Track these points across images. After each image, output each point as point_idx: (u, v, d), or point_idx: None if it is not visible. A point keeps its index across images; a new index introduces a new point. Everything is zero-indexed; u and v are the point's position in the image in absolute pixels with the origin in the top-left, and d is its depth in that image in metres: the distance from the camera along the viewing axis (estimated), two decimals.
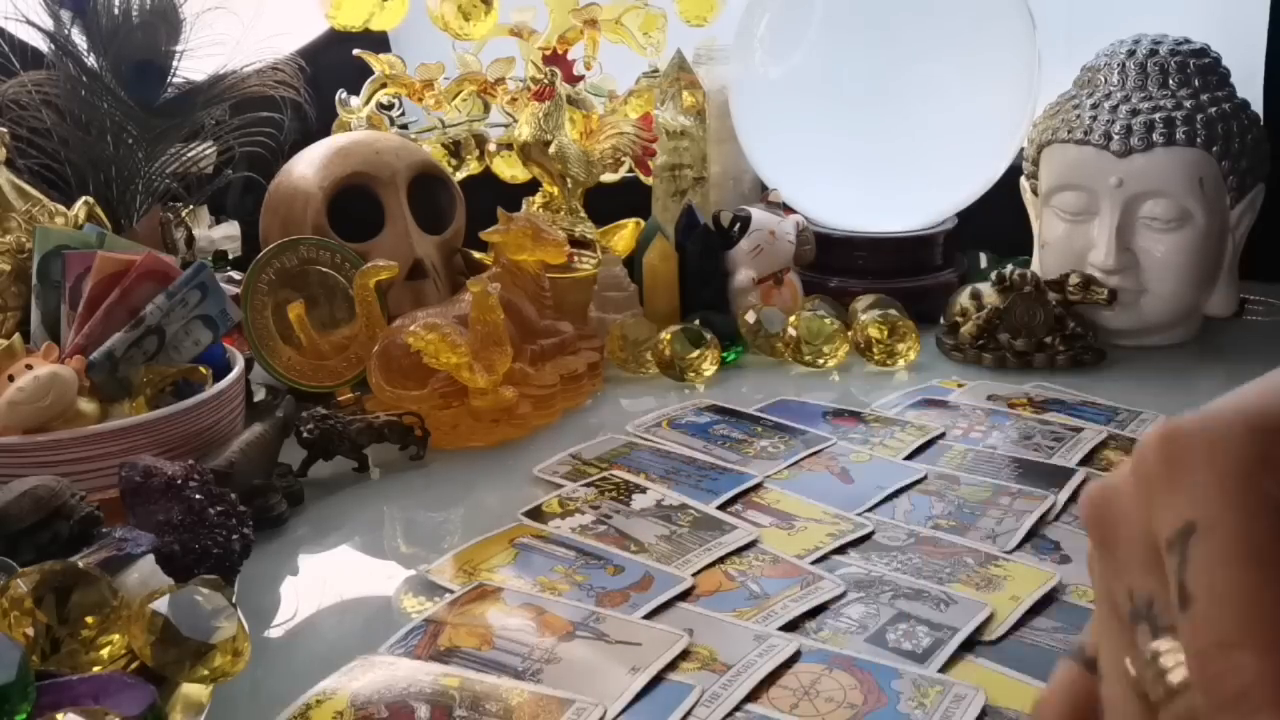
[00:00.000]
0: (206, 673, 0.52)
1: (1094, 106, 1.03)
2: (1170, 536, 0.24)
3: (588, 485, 0.79)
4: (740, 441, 0.86)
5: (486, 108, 1.30)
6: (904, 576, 0.66)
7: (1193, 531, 0.23)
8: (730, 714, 0.54)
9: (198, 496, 0.64)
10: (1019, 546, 0.69)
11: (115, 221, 1.03)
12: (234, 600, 0.55)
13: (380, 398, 0.90)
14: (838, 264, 1.18)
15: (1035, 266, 1.12)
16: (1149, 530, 0.25)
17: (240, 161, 1.16)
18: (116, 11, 1.05)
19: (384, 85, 1.26)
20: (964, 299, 1.07)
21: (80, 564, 0.54)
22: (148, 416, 0.74)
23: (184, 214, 1.14)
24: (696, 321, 1.03)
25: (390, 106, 1.29)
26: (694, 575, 0.66)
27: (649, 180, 1.21)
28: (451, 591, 0.66)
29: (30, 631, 0.51)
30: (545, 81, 1.16)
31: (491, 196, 1.08)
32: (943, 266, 1.19)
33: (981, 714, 0.53)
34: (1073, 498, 0.75)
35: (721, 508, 0.75)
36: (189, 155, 1.12)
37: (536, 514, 0.75)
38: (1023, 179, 1.14)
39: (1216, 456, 0.24)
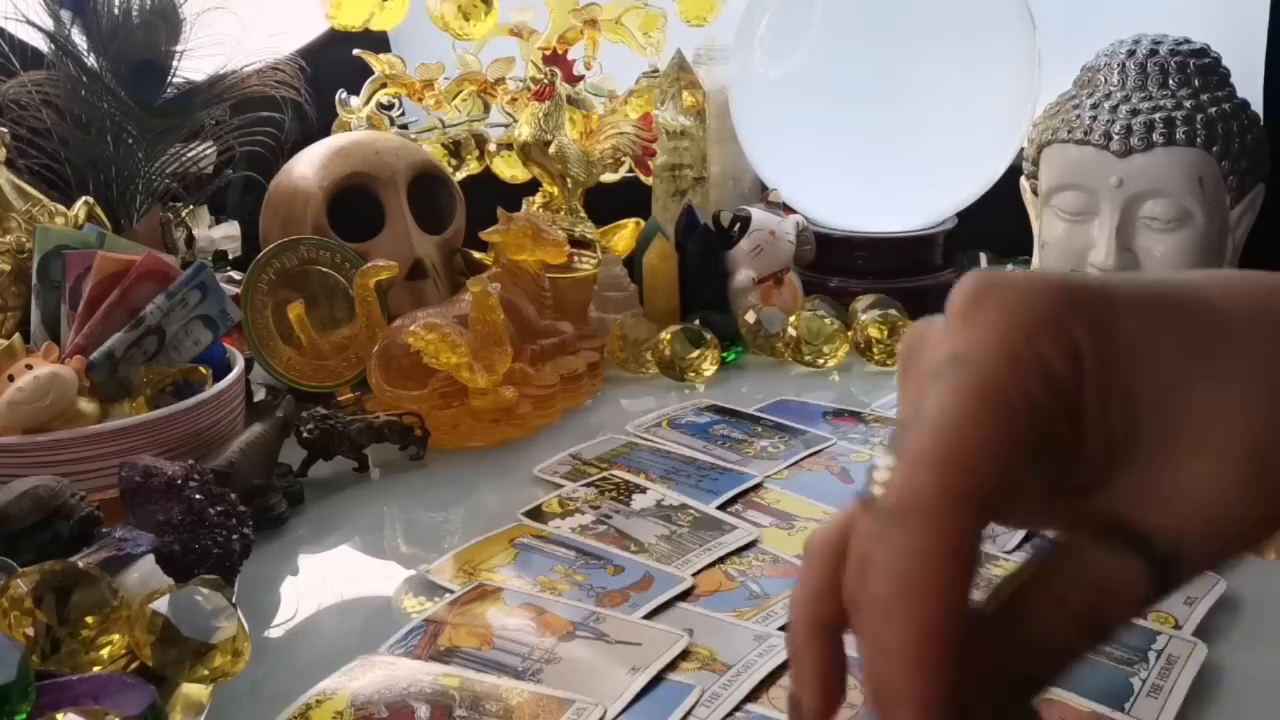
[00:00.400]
0: (206, 673, 0.52)
1: (1094, 106, 1.03)
2: (938, 364, 0.24)
3: (588, 485, 0.79)
4: (740, 441, 0.86)
5: (486, 108, 1.30)
6: None
7: (955, 360, 0.23)
8: (730, 714, 0.54)
9: (198, 496, 0.64)
10: (1018, 546, 0.69)
11: (115, 221, 1.03)
12: (234, 600, 0.55)
13: (380, 398, 0.90)
14: (838, 264, 1.18)
15: (1035, 266, 1.12)
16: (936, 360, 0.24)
17: (240, 161, 1.16)
18: (116, 11, 1.05)
19: (384, 85, 1.26)
20: None
21: (80, 564, 0.54)
22: (148, 416, 0.74)
23: (184, 214, 1.14)
24: (696, 321, 1.03)
25: (390, 106, 1.29)
26: (694, 575, 0.66)
27: (649, 180, 1.21)
28: (451, 591, 0.66)
29: (30, 631, 0.51)
30: (545, 81, 1.16)
31: (491, 196, 1.08)
32: (943, 266, 1.19)
33: None
34: None
35: (721, 508, 0.75)
36: (189, 155, 1.12)
37: (536, 514, 0.75)
38: (1023, 179, 1.14)
39: (1012, 304, 0.23)
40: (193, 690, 0.54)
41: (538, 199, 1.24)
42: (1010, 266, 1.06)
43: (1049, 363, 0.23)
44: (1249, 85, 1.09)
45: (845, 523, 0.26)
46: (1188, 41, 1.05)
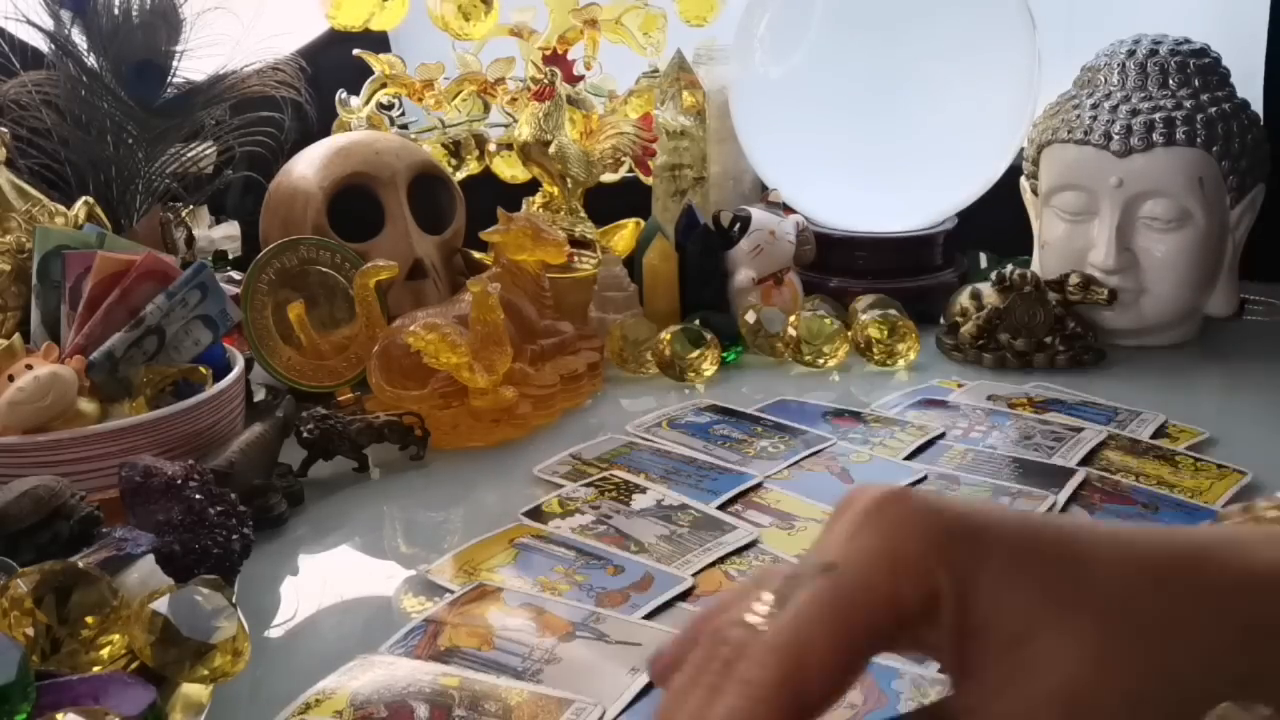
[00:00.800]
0: (206, 673, 0.52)
1: (1094, 106, 1.03)
2: (817, 564, 0.27)
3: (588, 485, 0.79)
4: (740, 441, 0.86)
5: (486, 108, 1.30)
6: None
7: (829, 569, 0.27)
8: None
9: (198, 496, 0.64)
10: None
11: (115, 221, 1.03)
12: (234, 600, 0.55)
13: (380, 398, 0.90)
14: (838, 264, 1.18)
15: (1035, 266, 1.12)
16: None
17: (240, 161, 1.16)
18: (116, 11, 1.05)
19: (384, 85, 1.26)
20: (964, 299, 1.06)
21: (80, 564, 0.54)
22: (148, 416, 0.74)
23: (184, 214, 1.14)
24: (696, 321, 1.03)
25: (390, 106, 1.29)
26: (694, 575, 0.67)
27: (649, 180, 1.21)
28: (451, 591, 0.66)
29: (30, 631, 0.51)
30: (545, 81, 1.16)
31: (491, 196, 1.08)
32: (943, 266, 1.19)
33: None
34: (1073, 498, 0.75)
35: (721, 508, 0.75)
36: (189, 155, 1.12)
37: (536, 514, 0.75)
38: (1023, 179, 1.14)
39: (891, 534, 0.27)
40: (193, 690, 0.54)
41: (538, 199, 1.24)
42: (1010, 266, 1.05)
43: (905, 601, 0.26)
44: (1249, 85, 1.09)
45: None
46: (1188, 41, 1.05)
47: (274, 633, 0.65)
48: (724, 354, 1.03)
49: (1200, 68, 1.03)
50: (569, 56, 1.27)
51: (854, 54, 1.08)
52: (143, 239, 0.99)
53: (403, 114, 1.32)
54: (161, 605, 0.51)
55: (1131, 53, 1.05)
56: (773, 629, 0.26)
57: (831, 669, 0.26)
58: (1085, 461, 0.80)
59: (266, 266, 0.96)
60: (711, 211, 1.14)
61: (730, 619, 0.28)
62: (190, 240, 1.15)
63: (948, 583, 0.26)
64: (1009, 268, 1.05)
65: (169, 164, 1.11)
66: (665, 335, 1.01)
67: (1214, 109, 1.01)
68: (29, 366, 0.73)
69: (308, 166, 1.04)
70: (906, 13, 1.06)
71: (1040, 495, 0.75)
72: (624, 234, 1.21)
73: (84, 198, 0.97)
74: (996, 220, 1.18)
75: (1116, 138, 1.01)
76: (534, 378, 0.94)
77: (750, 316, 1.06)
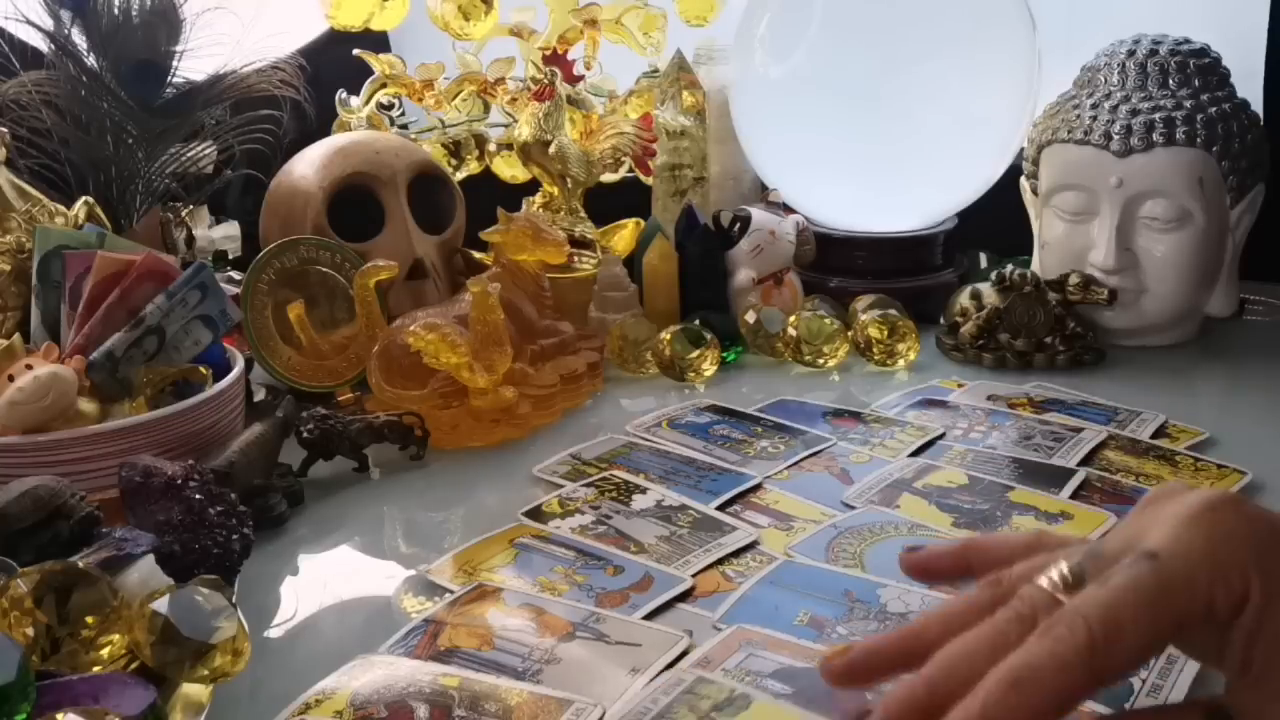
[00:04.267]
0: (206, 673, 0.52)
1: (1094, 106, 1.03)
2: (1144, 548, 0.30)
3: (588, 485, 0.79)
4: (740, 442, 0.86)
5: (486, 108, 1.30)
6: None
7: (1152, 558, 0.29)
8: None
9: (198, 496, 0.64)
10: None
11: (115, 221, 1.03)
12: (234, 600, 0.55)
13: (380, 398, 0.90)
14: (838, 264, 1.18)
15: (1035, 266, 1.12)
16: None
17: (240, 161, 1.16)
18: (116, 11, 1.05)
19: (384, 85, 1.26)
20: (964, 299, 1.06)
21: (80, 564, 0.54)
22: (148, 416, 0.74)
23: (184, 214, 1.14)
24: (696, 321, 1.03)
25: (390, 106, 1.29)
26: (694, 576, 0.67)
27: (649, 180, 1.21)
28: (451, 591, 0.66)
29: (30, 631, 0.51)
30: (545, 81, 1.16)
31: (491, 196, 1.08)
32: (943, 266, 1.19)
33: None
34: (1072, 498, 0.75)
35: (721, 508, 0.75)
36: (189, 155, 1.12)
37: (536, 514, 0.75)
38: (1023, 179, 1.14)
39: (1219, 538, 0.29)
40: (193, 690, 0.54)
41: (538, 199, 1.24)
42: (1009, 266, 1.05)
43: (1215, 601, 0.28)
44: (1249, 85, 1.09)
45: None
46: (1188, 41, 1.05)
47: (274, 633, 0.65)
48: (724, 354, 1.03)
49: (1200, 68, 1.03)
50: (569, 56, 1.27)
51: (854, 54, 1.08)
52: (143, 239, 0.99)
53: (403, 114, 1.32)
54: (161, 605, 0.51)
55: (1131, 53, 1.05)
56: (1089, 599, 0.28)
57: (1135, 649, 0.28)
58: (1085, 461, 0.80)
59: (266, 266, 0.96)
60: (711, 211, 1.14)
61: (1020, 574, 0.30)
62: (190, 240, 1.15)
63: (1259, 590, 0.28)
64: (1009, 268, 1.05)
65: (169, 164, 1.11)
66: (665, 335, 1.01)
67: (1214, 109, 1.01)
68: (29, 366, 0.73)
69: (308, 166, 1.04)
70: (906, 13, 1.06)
71: (1040, 496, 0.75)
72: (624, 234, 1.21)
73: (84, 198, 0.97)
74: (996, 220, 1.18)
75: (1116, 138, 1.01)
76: (534, 378, 0.94)
77: (750, 316, 1.06)
